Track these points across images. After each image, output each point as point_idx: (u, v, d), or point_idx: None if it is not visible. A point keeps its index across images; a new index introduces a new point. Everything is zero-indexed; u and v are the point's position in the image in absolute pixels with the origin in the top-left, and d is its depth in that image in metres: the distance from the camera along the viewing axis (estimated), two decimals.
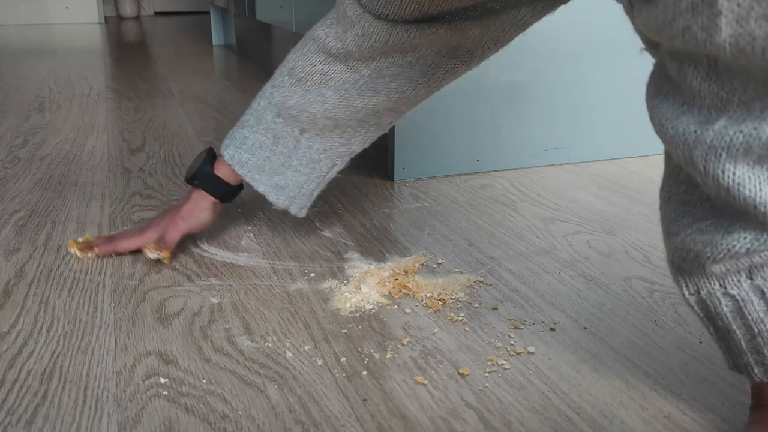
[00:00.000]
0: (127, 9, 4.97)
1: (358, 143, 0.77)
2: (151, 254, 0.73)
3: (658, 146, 0.45)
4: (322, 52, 0.71)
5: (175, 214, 0.75)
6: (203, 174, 0.75)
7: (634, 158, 1.16)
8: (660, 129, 0.41)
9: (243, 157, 0.73)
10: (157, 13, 5.32)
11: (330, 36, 0.70)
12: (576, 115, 1.13)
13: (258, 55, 2.31)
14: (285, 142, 0.74)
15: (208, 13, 3.60)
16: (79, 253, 0.75)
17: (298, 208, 0.77)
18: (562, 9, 1.07)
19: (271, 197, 0.75)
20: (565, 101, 1.12)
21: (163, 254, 0.73)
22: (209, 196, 0.75)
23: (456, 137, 1.06)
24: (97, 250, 0.75)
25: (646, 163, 1.13)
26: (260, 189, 0.74)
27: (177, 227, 0.74)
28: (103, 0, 4.57)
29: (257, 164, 0.74)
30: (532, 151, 1.13)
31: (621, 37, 1.11)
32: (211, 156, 0.77)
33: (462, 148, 1.07)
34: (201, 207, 0.76)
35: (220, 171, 0.75)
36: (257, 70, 2.22)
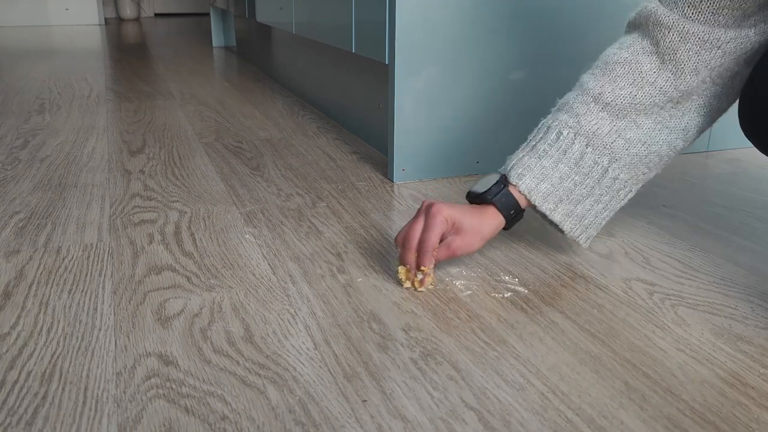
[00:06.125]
0: (127, 10, 4.98)
1: (655, 171, 0.75)
2: (410, 281, 0.69)
3: None
4: (631, 74, 0.70)
5: (458, 228, 0.70)
6: (499, 192, 0.72)
7: None
8: None
9: (543, 187, 0.71)
10: (157, 15, 5.33)
11: (639, 53, 0.70)
12: None
13: (258, 56, 2.31)
14: (592, 173, 0.71)
15: (208, 14, 3.60)
16: (419, 287, 0.69)
17: (587, 238, 0.75)
18: (562, 11, 1.08)
19: (566, 226, 0.73)
20: None
21: (425, 281, 0.69)
22: (500, 215, 0.72)
23: (456, 139, 1.06)
24: (424, 269, 0.68)
25: None
26: (556, 218, 0.72)
27: (468, 245, 0.70)
28: (103, 1, 4.58)
29: (559, 196, 0.72)
30: None
31: None
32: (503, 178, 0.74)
33: (462, 150, 1.07)
34: (490, 224, 0.72)
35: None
36: (257, 72, 2.22)
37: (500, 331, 0.62)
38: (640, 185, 0.75)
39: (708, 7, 0.65)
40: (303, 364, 0.56)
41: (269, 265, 0.75)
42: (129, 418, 0.49)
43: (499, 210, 0.72)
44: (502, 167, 0.75)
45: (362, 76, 1.28)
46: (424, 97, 1.02)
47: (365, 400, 0.52)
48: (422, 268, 0.68)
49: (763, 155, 0.68)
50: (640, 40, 0.71)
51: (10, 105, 1.64)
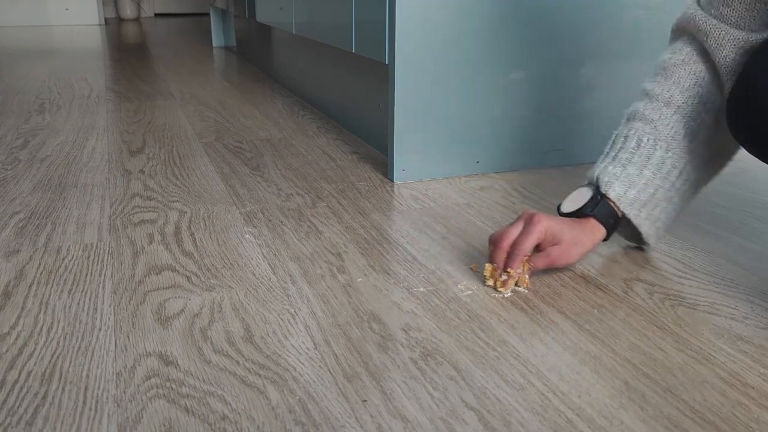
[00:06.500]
0: (127, 10, 4.98)
1: (715, 174, 0.77)
2: (494, 279, 0.70)
3: None
4: (693, 75, 0.72)
5: (558, 240, 0.71)
6: (598, 204, 0.73)
7: None
8: None
9: (630, 194, 0.73)
10: (157, 15, 5.33)
11: (693, 54, 0.72)
12: (576, 116, 1.13)
13: (258, 56, 2.31)
14: (670, 176, 0.73)
15: (208, 14, 3.60)
16: (501, 287, 0.69)
17: (656, 239, 0.77)
18: (562, 12, 1.08)
19: (644, 228, 0.74)
20: (565, 103, 1.12)
21: (508, 283, 0.69)
22: (601, 226, 0.73)
23: (456, 139, 1.06)
24: (510, 271, 0.69)
25: None
26: (639, 222, 0.74)
27: (566, 255, 0.71)
28: (103, 1, 4.58)
29: (643, 201, 0.73)
30: (532, 153, 1.13)
31: (621, 39, 1.11)
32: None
33: (462, 149, 1.07)
34: (591, 236, 0.73)
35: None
36: (257, 72, 2.22)
37: (500, 331, 0.62)
38: (702, 188, 0.76)
39: (741, 3, 0.67)
40: (303, 364, 0.56)
41: (269, 264, 0.75)
42: (129, 418, 0.49)
43: (600, 221, 0.73)
44: (587, 181, 0.77)
45: (362, 76, 1.28)
46: (424, 97, 1.02)
47: (365, 400, 0.52)
48: (508, 269, 0.69)
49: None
50: (689, 43, 0.73)
51: (10, 105, 1.64)
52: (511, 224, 0.71)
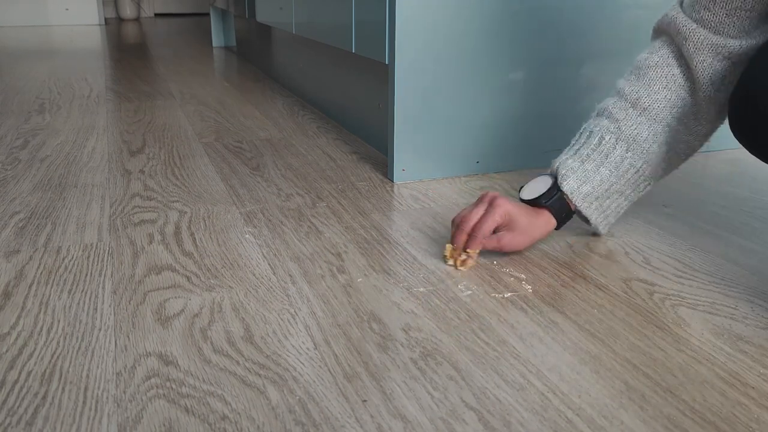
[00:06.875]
0: (127, 10, 4.98)
1: (669, 171, 0.79)
2: (454, 259, 0.75)
3: None
4: (664, 78, 0.74)
5: (512, 225, 0.74)
6: (553, 197, 0.76)
7: None
8: None
9: (584, 189, 0.76)
10: (157, 15, 5.33)
11: (669, 57, 0.74)
12: (576, 116, 1.13)
13: (258, 56, 2.31)
14: (627, 173, 0.76)
15: (208, 14, 3.60)
16: (460, 266, 0.74)
17: (606, 225, 0.80)
18: (562, 12, 1.08)
19: (593, 217, 0.78)
20: (565, 103, 1.12)
21: (467, 262, 0.74)
22: (553, 218, 0.77)
23: (456, 139, 1.06)
24: (470, 252, 0.74)
25: None
26: (588, 213, 0.77)
27: (515, 242, 0.75)
28: (103, 1, 4.58)
29: (596, 196, 0.76)
30: (532, 153, 1.13)
31: (621, 39, 1.11)
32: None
33: (462, 149, 1.07)
34: (543, 227, 0.76)
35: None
36: (257, 72, 2.22)
37: (500, 331, 0.62)
38: (657, 180, 0.79)
39: (722, 8, 0.68)
40: (303, 364, 0.56)
41: (269, 265, 0.75)
42: (129, 418, 0.49)
43: (553, 214, 0.76)
44: (549, 170, 0.79)
45: (362, 76, 1.28)
46: (424, 97, 1.02)
47: (365, 400, 0.52)
48: (468, 250, 0.74)
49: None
50: (667, 45, 0.74)
51: (10, 105, 1.64)
52: (474, 206, 0.76)
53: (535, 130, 1.11)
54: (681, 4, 0.74)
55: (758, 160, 0.66)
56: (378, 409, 0.51)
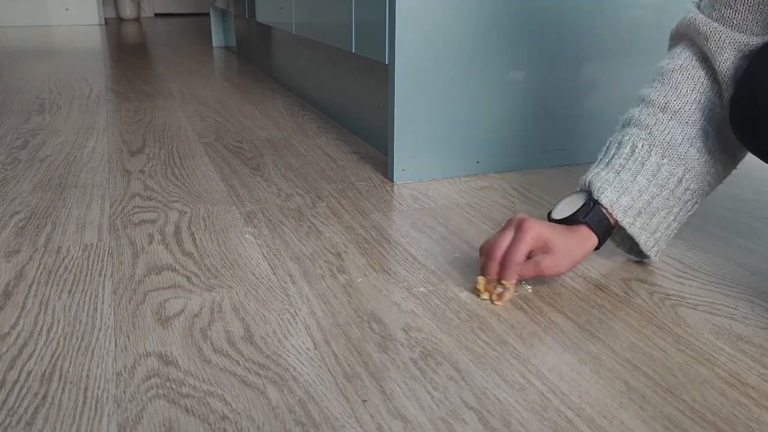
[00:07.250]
0: (127, 10, 4.98)
1: (718, 183, 0.74)
2: (489, 293, 0.67)
3: None
4: (690, 80, 0.70)
5: (549, 248, 0.67)
6: (591, 211, 0.69)
7: None
8: None
9: (624, 201, 0.69)
10: (157, 15, 5.33)
11: (692, 59, 0.70)
12: (576, 116, 1.13)
13: (258, 56, 2.31)
14: (667, 184, 0.70)
15: (208, 14, 3.60)
16: (497, 300, 0.67)
17: (657, 251, 0.74)
18: (562, 12, 1.08)
19: (642, 239, 0.71)
20: (565, 103, 1.12)
21: (504, 296, 0.66)
22: (593, 235, 0.70)
23: (456, 139, 1.06)
24: (505, 283, 0.66)
25: None
26: (633, 232, 0.70)
27: (557, 265, 0.67)
28: (103, 1, 4.58)
29: (638, 209, 0.70)
30: (532, 153, 1.13)
31: (621, 39, 1.11)
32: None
33: (462, 149, 1.07)
34: (583, 244, 0.69)
35: None
36: (257, 72, 2.22)
37: (500, 331, 0.62)
38: (705, 197, 0.74)
39: (744, 4, 0.66)
40: (303, 364, 0.56)
41: (269, 264, 0.75)
42: (129, 418, 0.49)
43: (593, 229, 0.69)
44: (578, 188, 0.74)
45: (362, 76, 1.28)
46: (424, 97, 1.02)
47: (365, 400, 0.52)
48: (503, 281, 0.66)
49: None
50: (688, 48, 0.71)
51: (10, 105, 1.64)
52: (501, 231, 0.69)
53: (535, 130, 1.11)
54: (698, 5, 0.71)
55: (761, 161, 0.66)
56: (378, 409, 0.51)
